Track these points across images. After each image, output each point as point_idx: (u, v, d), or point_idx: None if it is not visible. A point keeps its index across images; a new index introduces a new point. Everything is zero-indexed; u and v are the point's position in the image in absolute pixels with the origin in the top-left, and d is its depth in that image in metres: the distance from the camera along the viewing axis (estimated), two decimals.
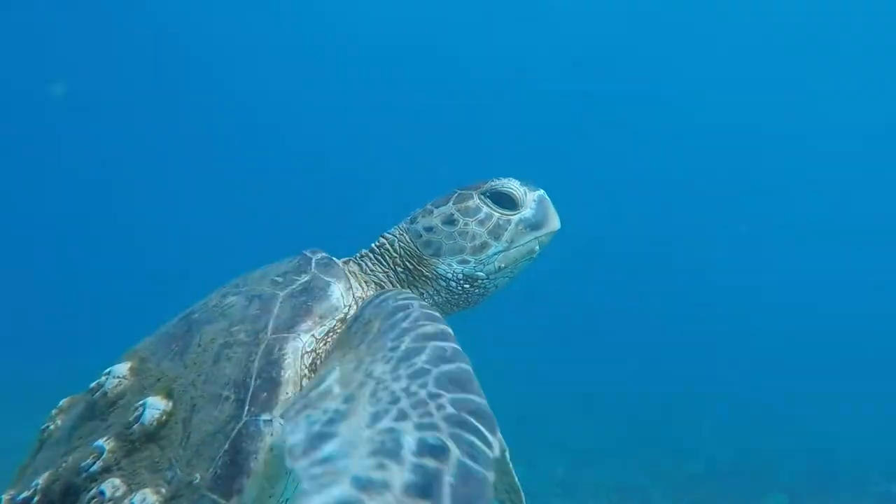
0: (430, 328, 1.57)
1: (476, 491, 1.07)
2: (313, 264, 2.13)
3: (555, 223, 2.31)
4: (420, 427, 1.20)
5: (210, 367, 1.81)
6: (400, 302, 1.76)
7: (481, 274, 2.25)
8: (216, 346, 1.87)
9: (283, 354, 1.78)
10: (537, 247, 2.30)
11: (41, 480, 1.79)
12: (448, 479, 1.08)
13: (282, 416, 1.54)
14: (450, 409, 1.25)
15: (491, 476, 1.13)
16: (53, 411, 2.19)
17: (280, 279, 2.08)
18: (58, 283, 26.96)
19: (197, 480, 1.61)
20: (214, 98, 29.62)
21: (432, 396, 1.29)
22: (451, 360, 1.43)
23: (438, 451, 1.13)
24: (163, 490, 1.61)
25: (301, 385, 1.78)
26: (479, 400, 1.31)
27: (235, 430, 1.66)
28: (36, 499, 1.75)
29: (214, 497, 1.58)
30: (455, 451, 1.13)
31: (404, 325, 1.62)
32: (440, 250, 2.22)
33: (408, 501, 1.02)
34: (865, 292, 27.17)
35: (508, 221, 2.22)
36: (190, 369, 1.84)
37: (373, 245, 2.36)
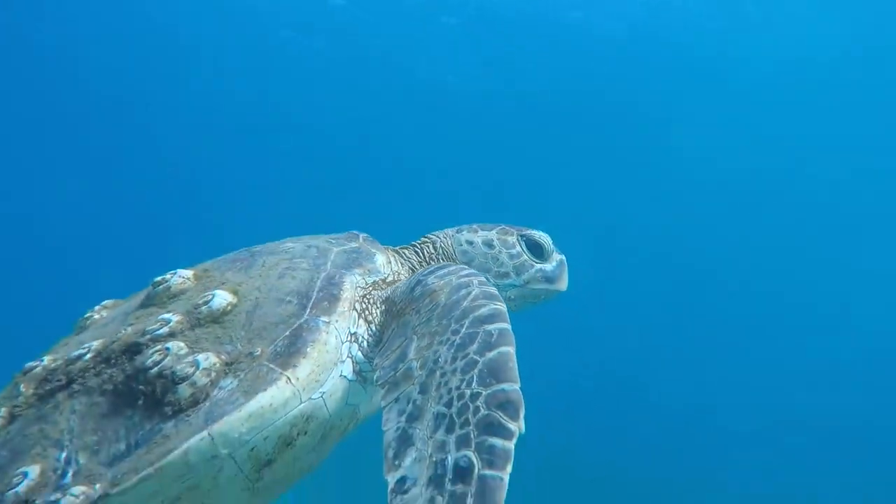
0: (484, 310, 1.87)
1: (490, 499, 1.43)
2: (360, 238, 2.51)
3: (564, 285, 2.73)
4: (458, 443, 1.55)
5: (275, 280, 2.11)
6: (462, 279, 2.07)
7: None
8: (280, 268, 2.17)
9: (343, 280, 2.12)
10: (542, 298, 2.70)
11: (96, 344, 1.97)
12: (469, 500, 1.44)
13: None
14: (483, 411, 1.58)
15: (506, 471, 1.47)
16: (96, 307, 2.37)
17: (333, 241, 2.43)
18: None
19: (258, 353, 1.85)
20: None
21: (474, 397, 1.62)
22: (494, 346, 1.73)
23: (466, 474, 1.48)
24: (223, 356, 1.85)
25: (354, 307, 2.09)
26: (509, 387, 1.62)
27: (297, 324, 1.94)
28: (89, 355, 1.92)
29: (272, 366, 1.82)
30: (477, 466, 1.49)
31: (465, 304, 1.92)
32: (471, 263, 2.60)
33: None
34: None
35: (532, 266, 2.64)
36: (254, 279, 2.12)
37: (414, 242, 2.75)
